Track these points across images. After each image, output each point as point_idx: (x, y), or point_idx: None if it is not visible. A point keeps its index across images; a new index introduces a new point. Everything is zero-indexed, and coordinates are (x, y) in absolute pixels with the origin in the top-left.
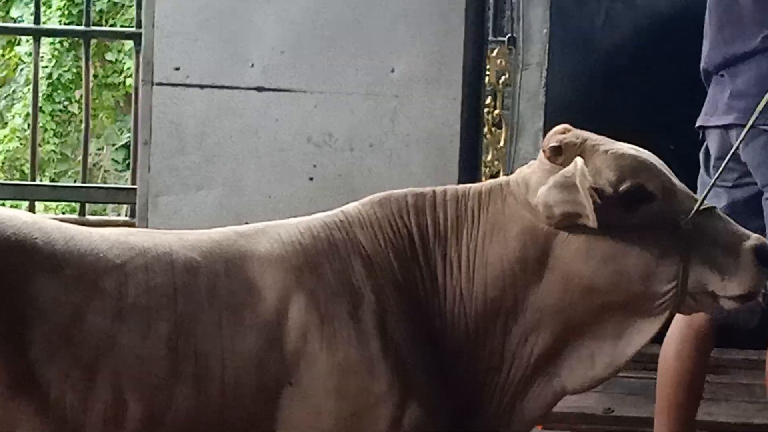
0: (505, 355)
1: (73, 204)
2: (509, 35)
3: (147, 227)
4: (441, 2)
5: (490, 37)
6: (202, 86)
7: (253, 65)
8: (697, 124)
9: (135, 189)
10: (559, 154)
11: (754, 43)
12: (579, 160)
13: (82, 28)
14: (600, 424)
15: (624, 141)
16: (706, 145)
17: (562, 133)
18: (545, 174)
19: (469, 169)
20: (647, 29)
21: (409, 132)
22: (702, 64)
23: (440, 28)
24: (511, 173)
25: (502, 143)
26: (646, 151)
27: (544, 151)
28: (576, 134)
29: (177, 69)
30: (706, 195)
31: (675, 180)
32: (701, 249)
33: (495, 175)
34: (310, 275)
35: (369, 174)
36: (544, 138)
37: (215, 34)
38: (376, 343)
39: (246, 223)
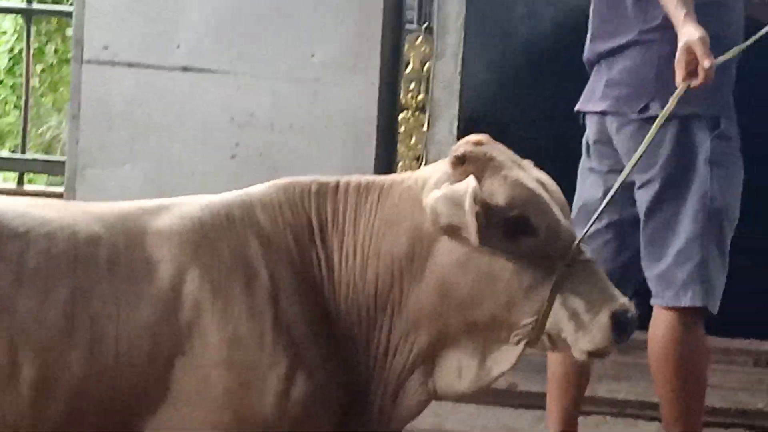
0: (389, 348)
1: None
2: (426, 24)
3: (75, 198)
4: None
5: (414, 26)
6: (129, 65)
7: (179, 46)
8: (576, 109)
9: None
10: (462, 164)
11: (631, 36)
12: (472, 181)
13: (23, 5)
14: (505, 398)
15: (537, 130)
16: (587, 131)
17: (475, 143)
18: (443, 178)
19: (386, 151)
20: (564, 21)
21: (328, 114)
22: (585, 54)
23: (360, 15)
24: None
25: (425, 128)
26: (550, 182)
27: (451, 155)
28: (485, 150)
29: (106, 48)
30: (585, 234)
31: (563, 220)
32: (567, 296)
33: (418, 158)
34: (206, 250)
35: (289, 153)
36: (458, 124)
37: (143, 16)
38: (267, 319)
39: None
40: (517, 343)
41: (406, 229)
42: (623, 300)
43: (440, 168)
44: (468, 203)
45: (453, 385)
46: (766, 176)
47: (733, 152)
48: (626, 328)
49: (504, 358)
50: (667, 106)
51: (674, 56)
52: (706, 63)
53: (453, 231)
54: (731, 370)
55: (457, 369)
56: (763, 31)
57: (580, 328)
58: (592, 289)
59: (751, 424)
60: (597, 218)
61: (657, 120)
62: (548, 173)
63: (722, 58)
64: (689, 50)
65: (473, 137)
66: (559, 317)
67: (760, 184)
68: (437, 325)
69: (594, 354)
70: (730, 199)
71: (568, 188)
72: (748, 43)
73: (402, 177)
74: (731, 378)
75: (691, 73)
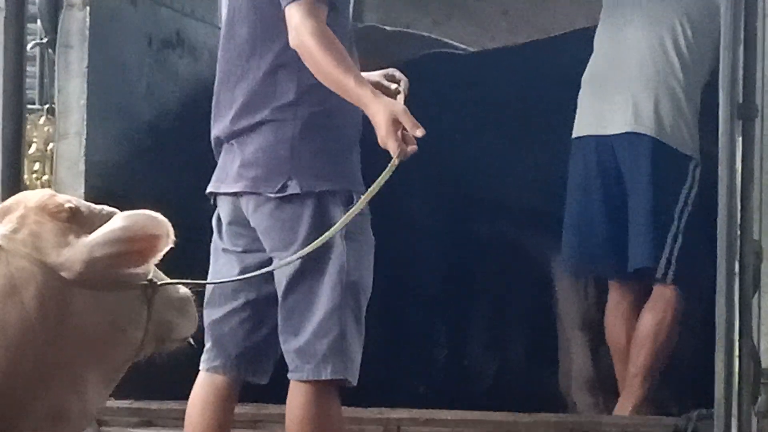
0: (23, 413)
1: None
2: (48, 105)
3: None
4: None
5: (37, 105)
6: None
7: None
8: (208, 191)
9: None
10: (75, 216)
11: (262, 115)
12: (162, 218)
13: None
14: None
15: (164, 209)
16: (218, 211)
17: (54, 197)
18: (61, 232)
19: None
20: (188, 98)
21: None
22: (213, 133)
23: None
24: None
25: None
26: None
27: (55, 213)
28: (71, 198)
29: None
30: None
31: None
32: (161, 307)
33: None
34: None
35: None
36: None
37: None
38: None
39: None
40: (129, 361)
41: (32, 293)
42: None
43: (45, 227)
44: (164, 229)
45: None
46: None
47: (365, 226)
48: None
49: (113, 381)
50: (382, 176)
51: (307, 134)
52: (418, 132)
53: (107, 270)
54: None
55: (67, 411)
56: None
57: (182, 322)
58: (172, 293)
59: None
60: (233, 297)
61: (364, 196)
62: (176, 248)
63: None
64: (396, 122)
65: (50, 191)
66: (159, 326)
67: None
68: (72, 372)
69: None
70: (365, 272)
71: (199, 266)
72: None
73: None
74: None
75: (404, 141)
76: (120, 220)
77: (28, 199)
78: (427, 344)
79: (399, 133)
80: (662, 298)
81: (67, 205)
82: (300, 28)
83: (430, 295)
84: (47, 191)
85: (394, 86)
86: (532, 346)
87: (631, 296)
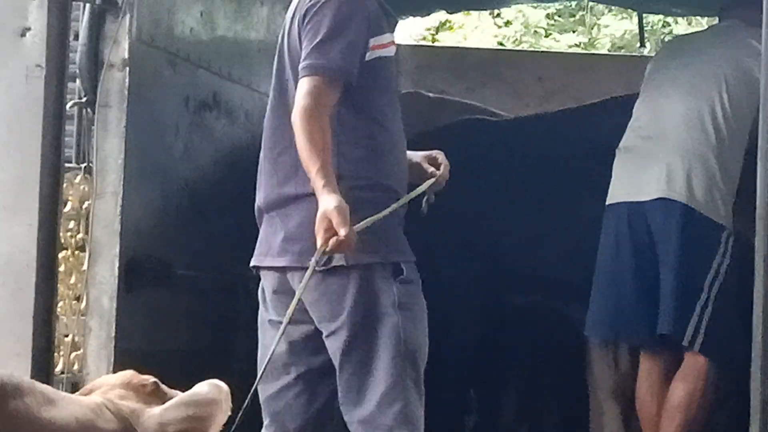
0: None
1: None
2: (85, 164)
3: None
4: (20, 132)
5: (74, 164)
6: None
7: None
8: (252, 264)
9: None
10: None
11: (305, 188)
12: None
13: None
14: None
15: (200, 269)
16: (263, 284)
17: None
18: (143, 401)
19: (45, 292)
20: (224, 160)
21: None
22: (256, 202)
23: (17, 157)
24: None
25: (85, 266)
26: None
27: (145, 386)
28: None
29: None
30: None
31: None
32: None
33: (78, 298)
34: None
35: None
36: (120, 264)
37: None
38: None
39: None
40: None
41: None
42: None
43: (127, 396)
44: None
45: None
46: None
47: (417, 294)
48: None
49: None
50: (311, 265)
51: (351, 207)
52: (341, 231)
53: None
54: None
55: None
56: (413, 194)
57: None
58: None
59: None
60: (285, 371)
61: (308, 270)
62: (211, 311)
63: (364, 223)
64: (326, 218)
65: (129, 372)
66: None
67: None
68: None
69: None
70: (421, 339)
71: (246, 327)
72: (393, 207)
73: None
74: None
75: (331, 238)
76: (193, 389)
77: (108, 378)
78: (460, 412)
79: (325, 229)
80: (694, 368)
81: (151, 380)
82: (297, 103)
83: (462, 363)
84: (130, 372)
85: (431, 170)
86: (564, 415)
87: (663, 366)
